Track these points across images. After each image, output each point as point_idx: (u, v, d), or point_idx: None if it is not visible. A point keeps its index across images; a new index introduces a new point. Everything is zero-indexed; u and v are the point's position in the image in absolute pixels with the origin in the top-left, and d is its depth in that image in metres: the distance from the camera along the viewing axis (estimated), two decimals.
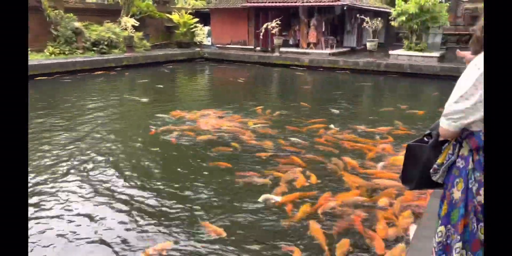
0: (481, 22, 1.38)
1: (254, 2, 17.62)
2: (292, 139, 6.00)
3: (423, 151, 1.59)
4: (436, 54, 14.15)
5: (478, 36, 1.38)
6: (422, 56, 14.12)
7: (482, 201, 1.36)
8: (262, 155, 5.26)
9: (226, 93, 11.36)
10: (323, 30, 17.12)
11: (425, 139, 1.64)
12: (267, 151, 5.47)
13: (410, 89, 12.32)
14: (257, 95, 10.82)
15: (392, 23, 14.89)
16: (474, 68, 1.29)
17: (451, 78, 12.41)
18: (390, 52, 15.05)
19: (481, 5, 14.89)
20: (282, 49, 16.72)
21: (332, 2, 15.78)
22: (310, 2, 16.31)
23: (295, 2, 16.64)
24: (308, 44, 17.29)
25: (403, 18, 13.96)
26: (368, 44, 15.00)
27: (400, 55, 14.55)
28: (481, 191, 1.37)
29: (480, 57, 1.31)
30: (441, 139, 1.54)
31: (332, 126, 6.72)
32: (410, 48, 14.64)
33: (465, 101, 1.31)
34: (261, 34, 17.06)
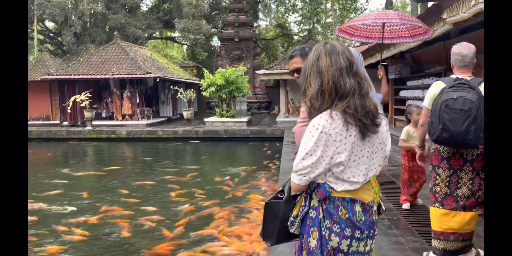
0: (310, 94, 1.51)
1: (57, 75, 16.31)
2: None
3: (279, 207, 1.68)
4: (245, 119, 15.76)
5: (312, 104, 1.53)
6: (233, 121, 15.48)
7: (334, 246, 1.51)
8: None
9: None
10: (138, 101, 17.01)
11: (279, 195, 1.73)
12: None
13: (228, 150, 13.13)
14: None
15: (203, 93, 16.04)
16: (313, 129, 1.47)
17: (258, 139, 14.02)
18: (205, 119, 16.01)
19: (273, 77, 17.77)
20: (94, 122, 15.64)
21: (143, 74, 16.02)
22: (121, 74, 16.15)
23: (105, 74, 16.19)
24: (123, 116, 16.76)
25: (213, 88, 15.26)
26: (184, 113, 15.56)
27: (215, 122, 15.61)
28: (332, 236, 1.51)
29: (317, 119, 1.46)
30: (293, 193, 1.65)
31: None
32: (222, 115, 15.93)
33: (310, 157, 1.48)
34: (69, 107, 15.68)
